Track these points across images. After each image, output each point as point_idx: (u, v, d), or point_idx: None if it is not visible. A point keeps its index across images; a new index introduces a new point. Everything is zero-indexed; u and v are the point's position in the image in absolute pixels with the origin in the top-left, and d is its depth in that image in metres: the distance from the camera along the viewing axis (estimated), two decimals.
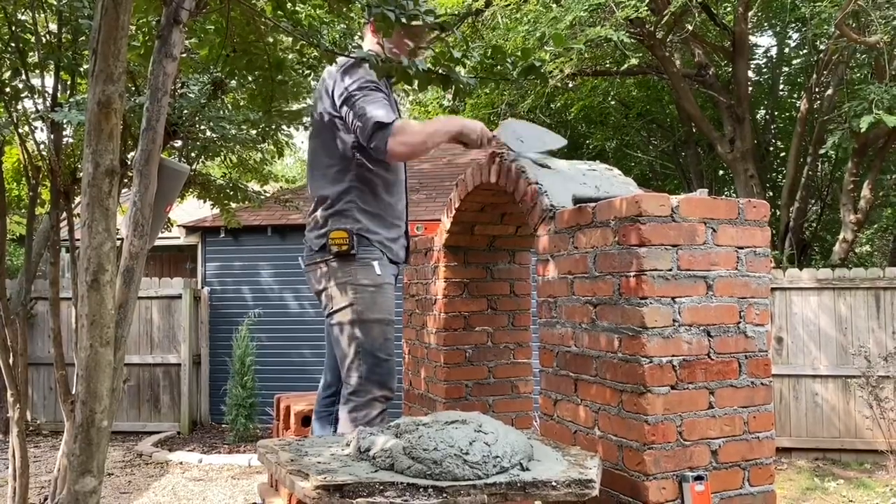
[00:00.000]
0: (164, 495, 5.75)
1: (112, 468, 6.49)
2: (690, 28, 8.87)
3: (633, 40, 8.49)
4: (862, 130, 7.13)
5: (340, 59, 2.61)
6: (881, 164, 9.48)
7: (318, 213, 2.70)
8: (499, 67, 2.01)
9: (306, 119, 4.65)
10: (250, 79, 3.48)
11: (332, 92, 2.60)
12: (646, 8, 7.70)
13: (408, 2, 1.93)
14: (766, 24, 11.81)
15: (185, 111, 3.74)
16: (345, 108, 2.54)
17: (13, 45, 3.31)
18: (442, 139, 2.61)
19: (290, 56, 3.49)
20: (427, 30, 2.50)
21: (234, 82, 3.80)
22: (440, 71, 1.91)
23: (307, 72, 4.20)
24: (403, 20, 1.97)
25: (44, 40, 3.35)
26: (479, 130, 2.64)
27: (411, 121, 2.63)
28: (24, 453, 3.56)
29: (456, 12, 9.85)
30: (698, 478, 2.01)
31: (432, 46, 2.47)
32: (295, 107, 4.43)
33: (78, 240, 1.88)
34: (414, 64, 1.90)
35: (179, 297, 8.12)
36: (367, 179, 2.66)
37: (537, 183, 2.51)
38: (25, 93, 3.50)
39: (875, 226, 13.30)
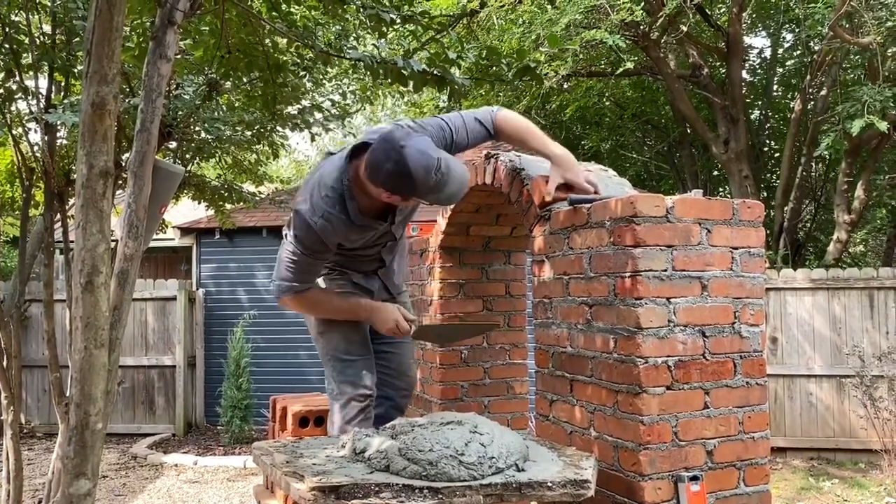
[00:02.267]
0: (158, 498, 5.73)
1: (106, 471, 6.47)
2: (685, 29, 8.89)
3: (627, 42, 8.51)
4: (853, 134, 7.16)
5: (318, 182, 2.36)
6: (874, 165, 9.51)
7: None
8: (494, 68, 2.02)
9: (307, 121, 4.65)
10: (246, 80, 3.48)
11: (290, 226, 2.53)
12: (641, 11, 7.72)
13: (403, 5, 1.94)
14: (760, 25, 11.85)
15: (180, 112, 3.73)
16: (283, 243, 2.49)
17: (7, 46, 3.30)
18: (337, 316, 2.56)
19: (286, 58, 3.48)
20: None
21: (228, 83, 3.80)
22: (435, 72, 1.91)
23: (302, 73, 4.19)
24: (398, 21, 1.97)
25: (38, 41, 3.34)
26: (391, 329, 2.49)
27: (315, 297, 2.50)
28: (17, 456, 3.54)
29: (451, 13, 9.85)
30: (694, 478, 2.02)
31: (428, 48, 2.43)
32: (288, 109, 4.43)
33: (72, 241, 1.87)
34: (409, 65, 1.90)
35: (174, 298, 8.10)
36: (335, 275, 2.65)
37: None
38: (19, 94, 3.49)
39: (869, 226, 13.35)
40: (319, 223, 2.30)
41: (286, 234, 2.46)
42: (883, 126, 6.91)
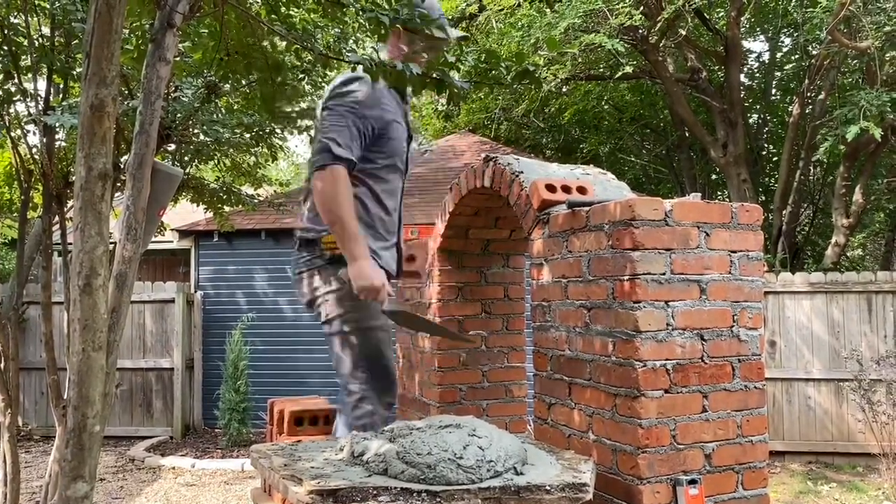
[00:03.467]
0: (156, 501, 5.72)
1: (104, 473, 6.45)
2: (683, 33, 8.91)
3: (626, 46, 8.53)
4: (849, 139, 7.17)
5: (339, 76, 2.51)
6: (872, 169, 9.53)
7: (308, 216, 2.63)
8: (493, 72, 2.01)
9: (303, 122, 4.65)
10: (245, 83, 3.48)
11: (326, 97, 2.56)
12: (639, 15, 7.73)
13: (401, 8, 1.94)
14: (758, 29, 11.88)
15: (179, 115, 3.73)
16: (322, 119, 2.46)
17: (5, 48, 3.30)
18: (342, 235, 2.39)
19: (285, 60, 3.48)
20: (439, 38, 2.28)
21: (227, 86, 3.80)
22: (434, 75, 1.91)
23: (301, 76, 4.20)
24: (398, 24, 1.97)
25: (36, 43, 3.34)
26: (367, 287, 2.34)
27: (345, 188, 2.38)
28: (15, 459, 3.53)
29: (450, 17, 9.87)
30: (692, 481, 2.01)
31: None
32: (288, 109, 4.43)
33: (70, 244, 1.87)
34: (408, 68, 1.90)
35: (172, 301, 8.09)
36: (358, 190, 2.55)
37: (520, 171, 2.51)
38: (18, 96, 3.49)
39: (867, 230, 13.36)
40: (363, 78, 2.34)
41: (329, 108, 2.41)
42: (877, 132, 6.93)
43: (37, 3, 3.32)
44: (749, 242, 2.21)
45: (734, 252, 2.19)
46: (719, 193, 12.97)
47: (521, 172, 2.60)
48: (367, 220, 2.57)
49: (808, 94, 9.76)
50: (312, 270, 2.59)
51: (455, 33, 2.32)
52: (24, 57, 3.43)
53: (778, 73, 11.97)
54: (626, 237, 2.05)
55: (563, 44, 7.50)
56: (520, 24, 8.53)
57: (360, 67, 1.94)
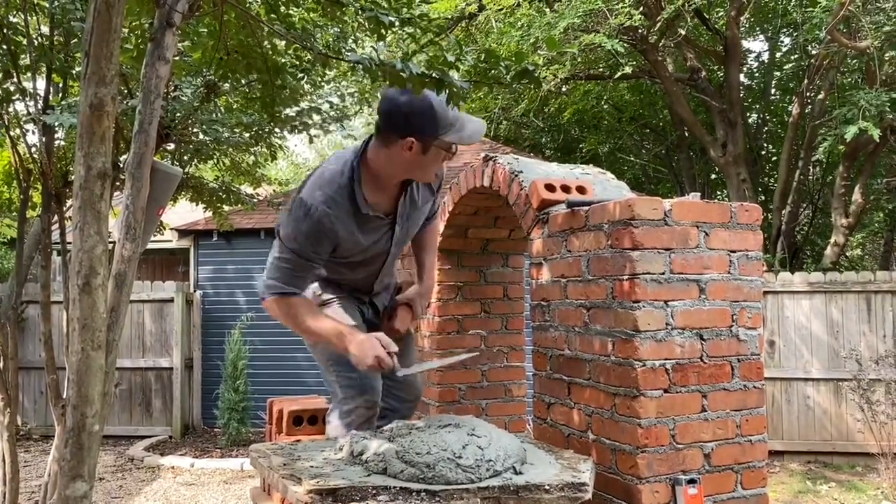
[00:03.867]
0: (155, 500, 5.72)
1: (103, 473, 6.45)
2: (683, 33, 8.91)
3: (626, 46, 8.53)
4: (848, 140, 7.18)
5: (322, 173, 2.31)
6: (872, 169, 9.53)
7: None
8: (493, 71, 2.01)
9: (306, 123, 4.64)
10: (244, 82, 3.48)
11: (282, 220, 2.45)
12: (639, 15, 7.73)
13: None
14: (757, 28, 11.88)
15: (178, 114, 3.73)
16: (275, 241, 2.40)
17: (5, 47, 3.30)
18: (318, 336, 2.35)
19: (284, 60, 3.48)
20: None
21: (227, 85, 3.79)
22: (434, 75, 1.91)
23: (301, 75, 4.20)
24: (396, 24, 1.97)
25: (36, 43, 3.34)
26: (370, 364, 2.19)
27: (298, 309, 2.31)
28: (14, 458, 3.53)
29: (450, 16, 9.87)
30: (691, 481, 2.02)
31: (426, 51, 2.41)
32: (287, 111, 4.42)
33: (69, 243, 1.87)
34: (408, 67, 1.90)
35: (172, 300, 8.08)
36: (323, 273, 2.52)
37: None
38: (17, 95, 3.49)
39: (866, 230, 13.37)
40: (321, 209, 2.19)
41: (278, 233, 2.35)
42: (875, 133, 6.93)
43: (36, 2, 3.32)
44: (748, 242, 2.22)
45: (733, 252, 2.19)
46: (719, 193, 12.97)
47: (521, 172, 2.60)
48: (334, 287, 2.57)
49: (808, 94, 9.77)
50: None
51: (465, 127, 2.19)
52: (23, 56, 3.42)
53: (777, 73, 11.97)
54: (626, 237, 2.05)
55: (562, 43, 7.50)
56: (519, 23, 8.53)
57: (360, 68, 1.94)
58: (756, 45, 22.12)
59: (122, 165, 3.37)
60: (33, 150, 3.63)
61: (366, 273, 2.54)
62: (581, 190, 2.48)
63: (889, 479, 5.76)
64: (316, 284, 2.54)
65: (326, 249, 2.30)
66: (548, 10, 8.44)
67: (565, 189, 2.46)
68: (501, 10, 9.14)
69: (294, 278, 2.31)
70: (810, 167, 10.77)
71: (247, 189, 6.08)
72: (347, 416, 2.48)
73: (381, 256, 2.49)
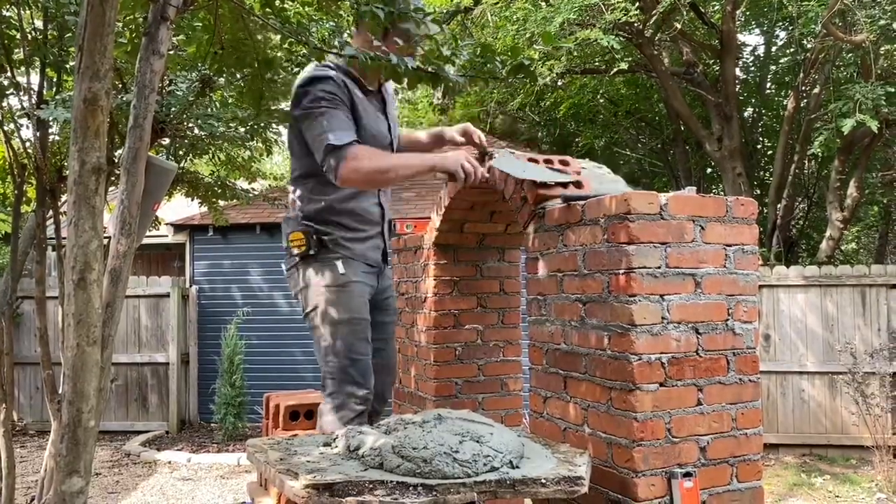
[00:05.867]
0: (152, 495, 5.72)
1: (99, 468, 6.45)
2: (679, 26, 8.90)
3: (621, 40, 8.52)
4: (844, 133, 7.18)
5: (304, 71, 2.52)
6: (867, 163, 9.55)
7: (286, 218, 2.72)
8: (488, 66, 2.01)
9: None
10: (238, 76, 3.47)
11: (295, 103, 2.52)
12: (635, 10, 7.72)
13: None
14: (753, 22, 11.87)
15: (173, 108, 3.71)
16: (304, 125, 2.45)
17: None
18: (408, 172, 2.46)
19: (278, 54, 3.47)
20: (416, 29, 2.27)
21: (222, 80, 3.78)
22: (429, 69, 1.91)
23: (296, 69, 4.18)
24: (393, 19, 1.96)
25: (29, 37, 3.32)
26: (464, 165, 2.39)
27: (370, 148, 2.41)
28: (10, 454, 3.53)
29: (445, 10, 9.84)
30: (687, 474, 2.02)
31: (422, 45, 2.40)
32: (283, 105, 4.41)
33: (64, 238, 1.87)
34: (403, 62, 1.90)
35: (167, 295, 8.07)
36: (325, 185, 2.55)
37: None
38: (10, 90, 3.47)
39: (861, 223, 13.41)
40: (333, 73, 2.39)
41: (306, 109, 2.42)
42: (874, 125, 6.94)
43: None
44: (744, 236, 2.22)
45: (729, 246, 2.19)
46: (714, 187, 12.99)
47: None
48: (334, 218, 2.59)
49: (804, 88, 9.77)
50: (292, 269, 2.67)
51: (433, 28, 2.27)
52: (16, 50, 3.40)
53: (773, 67, 11.98)
54: (622, 231, 2.05)
55: (558, 38, 7.49)
56: (515, 17, 8.51)
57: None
58: (752, 39, 22.14)
59: (116, 160, 3.36)
60: (27, 144, 3.61)
61: (366, 195, 2.64)
62: (577, 184, 2.48)
63: (883, 472, 5.79)
64: (339, 264, 2.56)
65: (348, 108, 2.43)
66: (544, 4, 8.43)
67: (561, 184, 2.46)
68: (497, 4, 9.12)
69: (343, 126, 2.39)
70: (806, 161, 10.78)
71: (242, 184, 6.06)
72: (339, 410, 2.51)
73: (385, 139, 2.63)
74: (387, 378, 2.80)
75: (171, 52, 3.36)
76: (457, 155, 2.41)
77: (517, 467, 1.86)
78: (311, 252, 2.56)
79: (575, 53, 8.61)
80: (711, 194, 2.39)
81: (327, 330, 2.54)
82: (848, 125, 6.94)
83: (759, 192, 11.37)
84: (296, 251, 2.60)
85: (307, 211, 2.61)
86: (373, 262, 2.67)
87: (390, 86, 2.79)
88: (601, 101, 12.29)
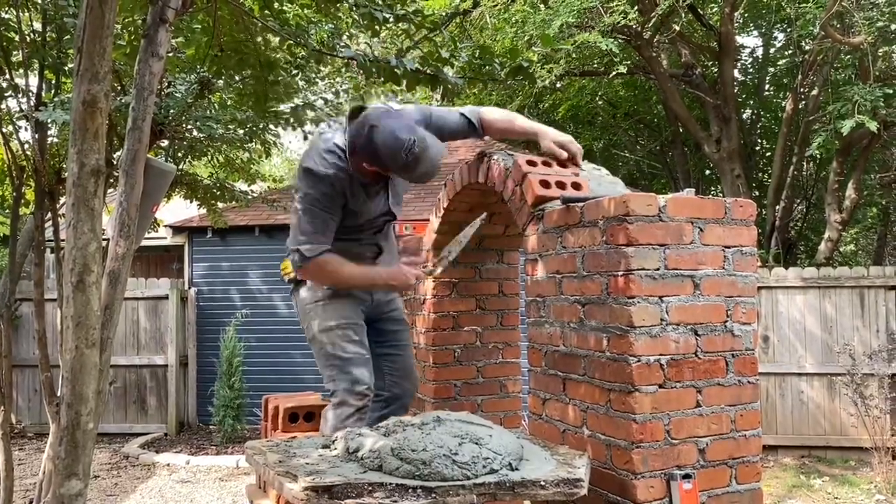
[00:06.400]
0: (150, 497, 5.71)
1: (98, 471, 6.44)
2: (677, 28, 8.92)
3: (620, 42, 8.54)
4: (844, 134, 7.20)
5: (320, 143, 2.55)
6: (865, 164, 9.56)
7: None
8: (487, 68, 2.02)
9: (304, 119, 4.63)
10: (238, 78, 3.47)
11: (296, 176, 2.63)
12: (634, 13, 7.74)
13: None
14: (751, 24, 11.90)
15: (172, 111, 3.71)
16: (295, 202, 2.57)
17: None
18: (354, 284, 2.64)
19: (278, 56, 3.47)
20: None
21: (221, 82, 3.78)
22: (428, 71, 1.91)
23: (295, 71, 4.18)
24: (391, 20, 1.97)
25: (28, 39, 3.32)
26: (409, 277, 2.59)
27: (335, 266, 2.53)
28: (8, 456, 3.53)
29: (444, 12, 9.85)
30: (686, 476, 2.02)
31: (421, 47, 2.41)
32: (282, 107, 4.41)
33: (63, 240, 1.86)
34: (402, 63, 1.90)
35: (166, 297, 8.06)
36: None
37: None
38: (9, 92, 3.47)
39: (859, 225, 13.42)
40: (331, 172, 2.46)
41: (296, 195, 2.54)
42: (873, 126, 6.95)
43: None
44: (743, 238, 2.22)
45: (728, 247, 2.19)
46: (713, 189, 13.00)
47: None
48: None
49: (802, 90, 9.79)
50: (292, 294, 2.84)
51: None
52: (15, 52, 3.41)
53: (771, 69, 12.00)
54: (621, 233, 2.05)
55: (557, 41, 7.50)
56: (514, 20, 8.52)
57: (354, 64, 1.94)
58: (750, 41, 22.13)
59: (115, 162, 3.36)
60: (26, 146, 3.61)
61: (371, 232, 2.72)
62: (576, 186, 2.48)
63: (882, 474, 5.79)
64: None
65: (339, 206, 2.52)
66: (542, 6, 8.44)
67: (560, 185, 2.47)
68: (496, 6, 9.13)
69: (321, 231, 2.51)
70: (804, 163, 10.80)
71: (241, 186, 6.07)
72: (337, 408, 2.56)
73: (384, 216, 2.70)
74: (406, 385, 2.84)
75: (170, 55, 3.36)
76: (404, 270, 2.60)
77: (516, 469, 1.86)
78: (299, 278, 2.70)
79: (574, 56, 8.62)
80: (710, 196, 2.39)
81: (320, 338, 2.65)
82: (846, 127, 6.96)
83: (757, 193, 11.39)
84: (286, 278, 2.80)
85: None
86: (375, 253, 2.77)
87: None
88: (600, 103, 12.30)
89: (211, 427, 7.96)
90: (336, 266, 2.54)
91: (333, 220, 2.53)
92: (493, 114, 2.76)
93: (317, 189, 2.47)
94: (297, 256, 2.51)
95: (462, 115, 2.71)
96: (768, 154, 12.26)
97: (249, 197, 5.80)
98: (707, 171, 13.04)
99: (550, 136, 2.63)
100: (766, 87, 12.28)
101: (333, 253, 2.52)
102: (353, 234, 2.65)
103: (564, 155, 2.59)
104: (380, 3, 2.05)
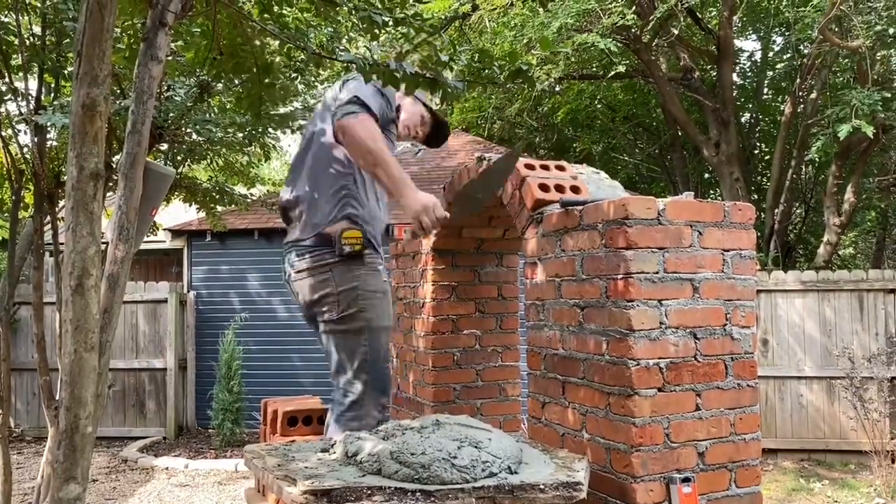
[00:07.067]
0: (149, 501, 5.70)
1: (97, 474, 6.43)
2: (676, 32, 8.94)
3: (619, 46, 8.55)
4: (841, 138, 7.21)
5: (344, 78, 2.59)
6: (864, 168, 9.58)
7: (310, 215, 2.59)
8: (486, 71, 2.02)
9: (293, 123, 4.63)
10: (237, 82, 3.47)
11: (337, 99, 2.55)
12: (632, 14, 7.75)
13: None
14: (750, 28, 11.92)
15: (171, 114, 3.72)
16: (342, 91, 2.51)
17: None
18: (384, 176, 2.39)
19: (277, 59, 3.48)
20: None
21: (220, 85, 3.78)
22: (428, 74, 1.91)
23: (294, 75, 4.19)
24: (390, 24, 1.97)
25: (27, 42, 3.33)
26: (423, 221, 2.32)
27: (378, 130, 2.41)
28: (6, 460, 3.52)
29: (443, 16, 9.86)
30: (686, 479, 2.02)
31: (420, 51, 2.41)
32: (282, 110, 4.42)
33: (62, 244, 1.86)
34: (402, 67, 1.90)
35: (165, 301, 8.06)
36: (357, 183, 2.59)
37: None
38: (9, 95, 3.47)
39: (858, 228, 13.43)
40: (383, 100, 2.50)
41: (349, 85, 2.50)
42: (869, 130, 6.96)
43: (28, 1, 3.31)
44: (742, 241, 2.22)
45: (727, 251, 2.19)
46: (712, 192, 13.01)
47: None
48: (366, 213, 2.62)
49: (800, 94, 9.80)
50: (325, 267, 2.53)
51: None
52: (14, 56, 3.41)
53: (770, 73, 12.02)
54: (620, 236, 2.05)
55: (556, 43, 7.52)
56: (513, 23, 8.54)
57: (353, 67, 1.94)
58: (749, 45, 22.21)
59: (114, 166, 3.36)
60: (25, 150, 3.61)
61: (374, 190, 2.67)
62: (575, 189, 2.48)
63: (882, 477, 5.78)
64: (382, 269, 2.62)
65: (388, 106, 2.53)
66: (541, 10, 8.45)
67: (559, 189, 2.47)
68: (495, 9, 9.14)
69: (376, 102, 2.46)
70: (803, 166, 10.81)
71: (240, 189, 6.07)
72: (365, 417, 2.46)
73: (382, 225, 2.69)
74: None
75: (170, 58, 3.36)
76: (426, 202, 2.32)
77: (515, 473, 1.86)
78: (366, 251, 2.52)
79: (573, 59, 8.64)
80: (709, 199, 2.39)
81: (367, 338, 2.49)
82: (845, 130, 6.97)
83: (756, 197, 11.40)
84: (347, 249, 2.49)
85: (357, 213, 2.56)
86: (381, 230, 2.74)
87: None
88: (599, 106, 12.32)
89: (210, 431, 7.94)
90: (380, 137, 2.39)
91: (385, 111, 2.51)
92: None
93: (375, 93, 2.47)
94: (354, 104, 2.38)
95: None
96: (767, 157, 12.28)
97: (249, 200, 5.80)
98: (706, 175, 13.06)
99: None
100: (765, 90, 12.31)
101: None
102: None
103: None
104: (379, 6, 2.06)
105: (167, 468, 6.68)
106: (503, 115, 12.11)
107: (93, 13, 1.56)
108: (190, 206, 5.43)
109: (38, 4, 3.30)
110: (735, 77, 11.15)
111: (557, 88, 10.80)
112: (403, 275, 3.61)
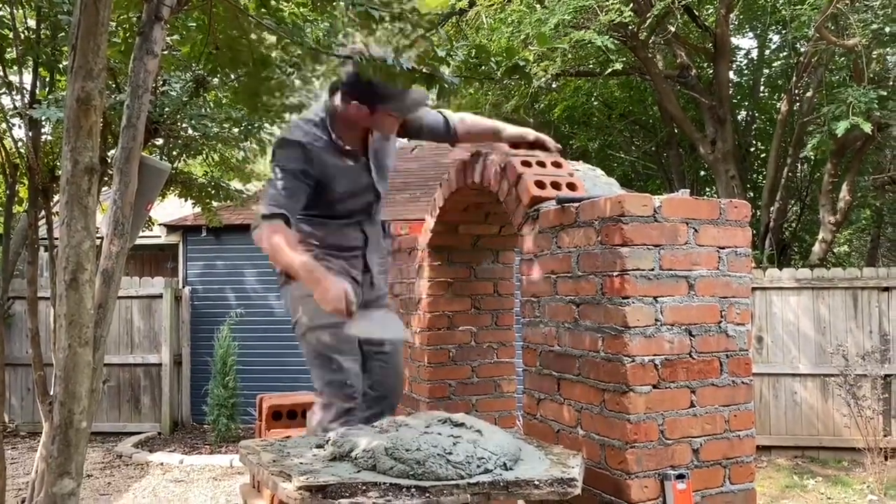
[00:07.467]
0: (144, 497, 5.69)
1: (91, 470, 6.41)
2: (673, 29, 8.93)
3: (616, 43, 8.55)
4: (838, 135, 7.22)
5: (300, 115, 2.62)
6: (859, 166, 9.60)
7: None
8: (483, 67, 2.01)
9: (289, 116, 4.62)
10: (233, 76, 3.46)
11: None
12: (630, 12, 7.74)
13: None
14: (747, 26, 11.92)
15: (167, 109, 3.71)
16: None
17: None
18: (289, 270, 2.47)
19: (273, 54, 3.47)
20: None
21: (216, 80, 3.77)
22: (424, 70, 1.91)
23: (290, 70, 4.16)
24: (387, 19, 1.96)
25: (22, 36, 3.31)
26: (333, 298, 2.27)
27: (283, 232, 2.41)
28: (0, 455, 3.51)
29: (440, 11, 9.85)
30: (680, 476, 2.03)
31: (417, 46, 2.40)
32: (273, 103, 4.40)
33: (56, 238, 1.86)
34: (398, 62, 1.90)
35: (160, 296, 8.04)
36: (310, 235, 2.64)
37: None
38: (3, 89, 3.45)
39: (853, 226, 13.47)
40: (303, 139, 2.49)
41: (272, 165, 2.55)
42: (867, 127, 6.97)
43: None
44: (737, 239, 2.23)
45: (722, 248, 2.20)
46: (708, 190, 13.03)
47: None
48: (315, 242, 2.64)
49: (796, 91, 9.81)
50: (283, 286, 2.73)
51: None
52: (9, 49, 3.39)
53: (766, 70, 12.03)
54: (616, 233, 2.06)
55: (553, 40, 7.50)
56: (510, 19, 8.52)
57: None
58: (745, 43, 22.20)
59: (109, 160, 3.35)
60: (20, 144, 3.60)
61: (356, 209, 2.66)
62: (571, 187, 2.48)
63: (875, 474, 5.81)
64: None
65: (310, 174, 2.49)
66: (538, 6, 8.44)
67: (555, 186, 2.47)
68: (492, 5, 9.13)
69: (285, 199, 2.46)
70: (798, 164, 10.83)
71: (236, 185, 6.05)
72: (326, 410, 2.54)
73: (368, 192, 2.66)
74: (393, 383, 2.78)
75: (165, 52, 3.35)
76: (336, 293, 2.28)
77: (511, 469, 1.86)
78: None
79: (569, 55, 8.63)
80: (705, 197, 2.39)
81: (310, 337, 2.58)
82: (841, 128, 6.98)
83: (752, 194, 11.41)
84: (277, 269, 2.67)
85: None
86: (353, 275, 2.67)
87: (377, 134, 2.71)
88: (595, 103, 12.31)
89: (205, 426, 7.94)
90: (282, 240, 2.39)
91: (301, 187, 2.48)
92: (467, 118, 2.84)
93: (286, 154, 2.48)
94: (261, 216, 2.44)
95: (441, 113, 2.77)
96: (763, 155, 12.29)
97: (244, 196, 5.79)
98: (702, 172, 13.06)
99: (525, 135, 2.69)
100: (761, 88, 12.31)
101: (290, 228, 2.43)
102: (336, 214, 2.60)
103: (553, 145, 2.66)
104: (376, 1, 2.05)
105: (162, 464, 6.67)
106: (500, 112, 12.09)
107: (88, 7, 1.56)
108: (185, 201, 5.42)
109: None
110: (731, 75, 11.15)
111: (554, 85, 10.79)
112: (400, 271, 3.61)
